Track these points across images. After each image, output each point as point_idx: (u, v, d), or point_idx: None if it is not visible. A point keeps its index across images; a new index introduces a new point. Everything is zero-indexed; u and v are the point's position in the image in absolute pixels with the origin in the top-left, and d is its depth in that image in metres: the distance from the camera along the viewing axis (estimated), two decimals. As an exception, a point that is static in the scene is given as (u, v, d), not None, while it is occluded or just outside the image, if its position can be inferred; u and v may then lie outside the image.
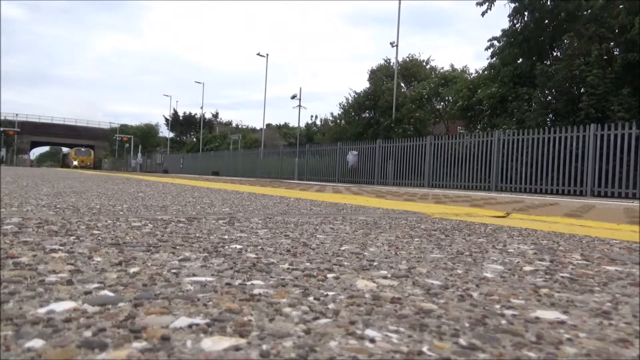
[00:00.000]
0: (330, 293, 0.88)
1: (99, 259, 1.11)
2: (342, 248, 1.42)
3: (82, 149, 59.88)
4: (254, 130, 49.96)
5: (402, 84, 26.93)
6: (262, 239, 1.55)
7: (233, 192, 5.02)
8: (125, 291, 0.83)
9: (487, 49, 17.40)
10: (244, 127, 55.49)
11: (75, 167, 51.13)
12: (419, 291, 0.92)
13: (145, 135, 57.29)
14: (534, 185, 11.81)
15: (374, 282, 0.99)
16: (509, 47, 16.44)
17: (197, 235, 1.57)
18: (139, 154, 48.03)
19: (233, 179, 15.19)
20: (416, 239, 1.68)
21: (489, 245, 1.59)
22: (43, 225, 1.66)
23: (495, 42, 17.12)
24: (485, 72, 18.21)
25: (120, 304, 0.75)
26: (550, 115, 14.36)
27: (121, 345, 0.59)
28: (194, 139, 49.63)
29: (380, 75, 25.90)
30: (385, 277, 1.04)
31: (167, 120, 53.63)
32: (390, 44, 21.70)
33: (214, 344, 0.60)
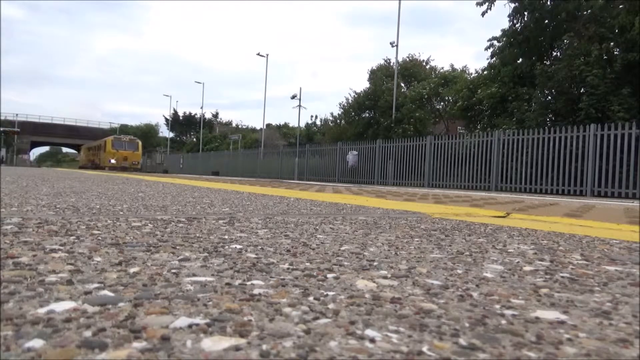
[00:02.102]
0: (330, 293, 0.88)
1: (99, 259, 1.11)
2: (342, 248, 1.42)
3: (124, 138, 37.08)
4: (254, 130, 50.02)
5: (402, 84, 26.90)
6: (262, 239, 1.55)
7: (233, 192, 5.02)
8: (125, 291, 0.83)
9: (487, 49, 17.44)
10: (244, 127, 55.59)
11: (113, 166, 32.97)
12: (419, 291, 0.92)
13: (145, 135, 57.13)
14: (534, 185, 11.81)
15: (374, 282, 0.99)
16: (509, 47, 16.46)
17: (197, 235, 1.57)
18: (139, 154, 47.92)
19: (233, 179, 15.18)
20: (416, 239, 1.68)
21: (489, 245, 1.59)
22: (43, 225, 1.66)
23: (495, 42, 17.14)
24: (485, 72, 18.21)
25: (120, 304, 0.75)
26: (550, 115, 14.36)
27: (121, 345, 0.59)
28: (194, 139, 49.65)
29: (380, 75, 25.88)
30: (385, 277, 1.03)
31: (167, 120, 53.69)
32: (390, 44, 21.73)
33: (214, 344, 0.60)
